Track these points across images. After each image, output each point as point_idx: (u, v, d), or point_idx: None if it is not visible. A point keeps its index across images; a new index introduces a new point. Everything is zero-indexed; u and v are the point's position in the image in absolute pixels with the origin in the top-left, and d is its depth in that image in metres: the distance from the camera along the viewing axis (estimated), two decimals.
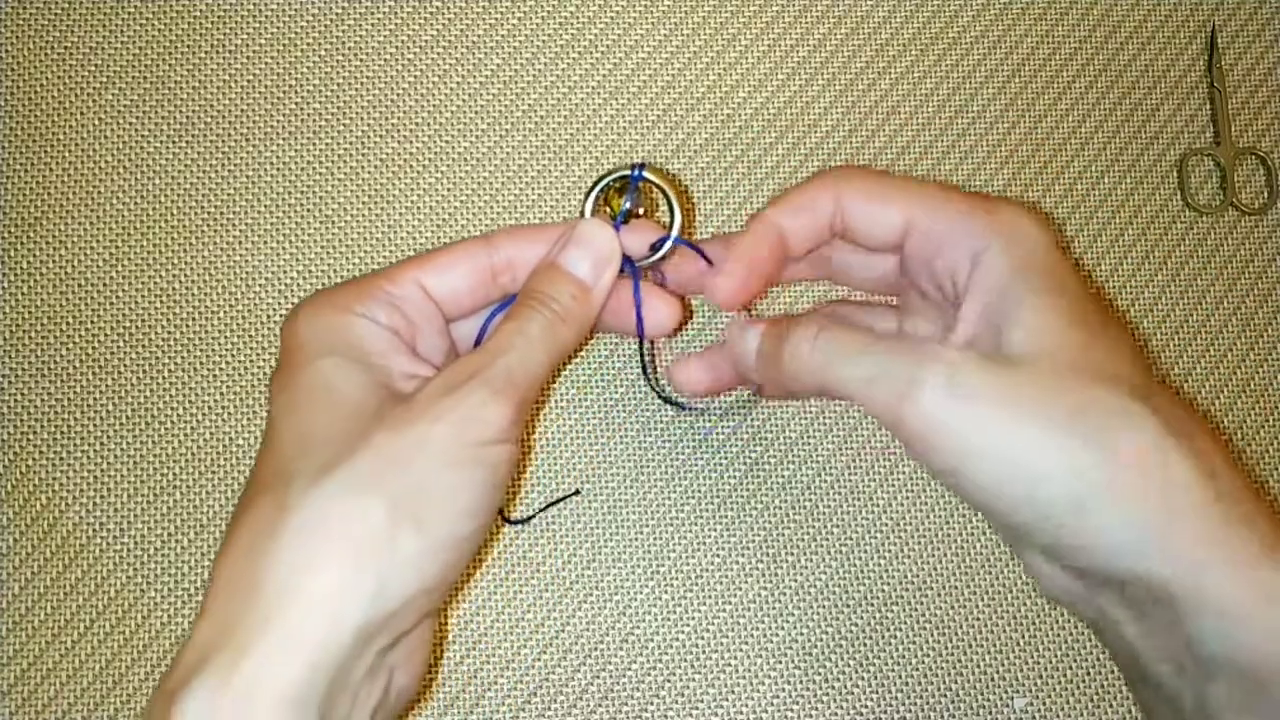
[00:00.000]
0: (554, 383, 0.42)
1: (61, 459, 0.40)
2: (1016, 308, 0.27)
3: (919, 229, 0.30)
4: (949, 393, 0.26)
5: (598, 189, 0.35)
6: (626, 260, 0.34)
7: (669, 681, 0.40)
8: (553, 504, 0.40)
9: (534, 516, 0.40)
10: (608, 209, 0.35)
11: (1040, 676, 0.40)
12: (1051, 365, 0.26)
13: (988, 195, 0.30)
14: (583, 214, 0.35)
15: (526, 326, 0.31)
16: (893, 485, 0.41)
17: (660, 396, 0.40)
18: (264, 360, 0.41)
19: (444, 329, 0.33)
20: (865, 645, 0.40)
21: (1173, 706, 0.28)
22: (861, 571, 0.41)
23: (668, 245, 0.34)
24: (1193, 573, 0.25)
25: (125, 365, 0.41)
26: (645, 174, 0.34)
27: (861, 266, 0.35)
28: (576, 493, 0.40)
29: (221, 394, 0.41)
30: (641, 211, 0.35)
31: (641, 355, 0.37)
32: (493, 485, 0.29)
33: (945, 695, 0.40)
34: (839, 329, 0.30)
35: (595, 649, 0.40)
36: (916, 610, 0.40)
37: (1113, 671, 0.40)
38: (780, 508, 0.41)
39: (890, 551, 0.41)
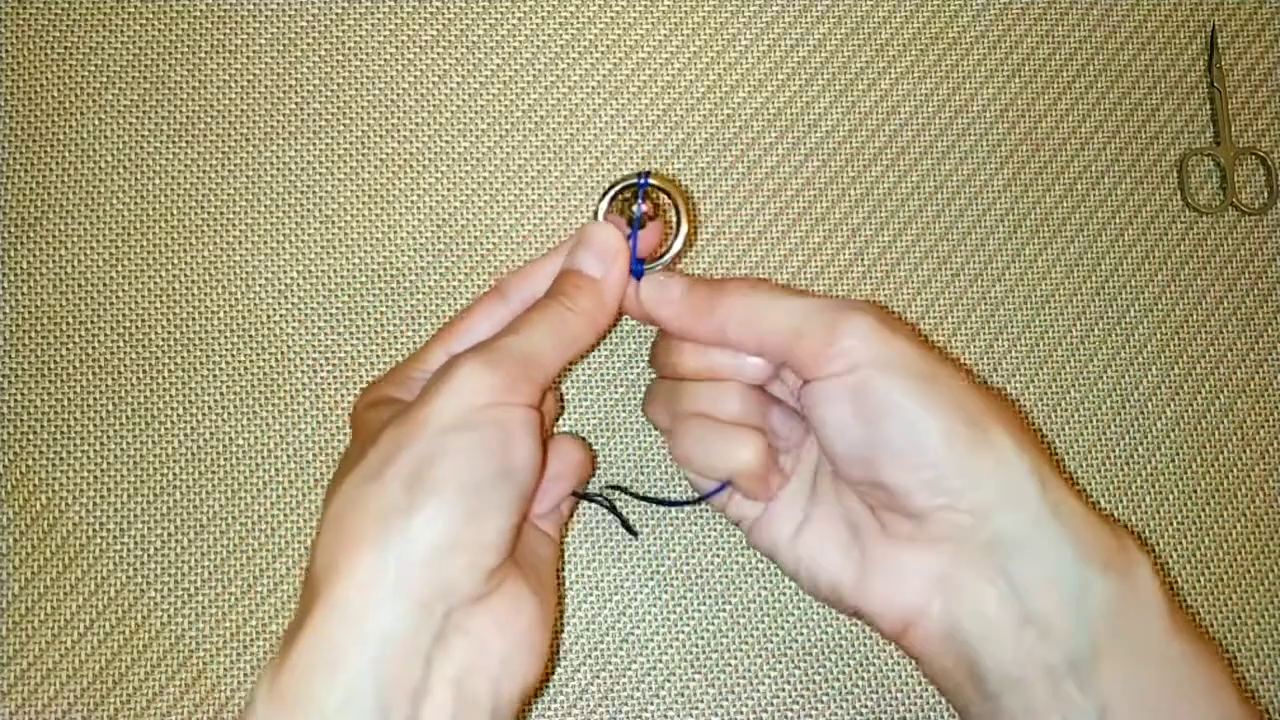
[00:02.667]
0: (565, 376, 0.42)
1: (61, 459, 0.40)
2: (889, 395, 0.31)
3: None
4: (871, 330, 0.30)
5: (607, 199, 0.35)
6: (638, 262, 0.35)
7: (669, 681, 0.40)
8: (613, 499, 0.39)
9: (592, 498, 0.39)
10: (619, 217, 0.35)
11: None
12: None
13: (828, 304, 0.32)
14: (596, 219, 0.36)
15: (532, 315, 0.33)
16: None
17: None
18: (264, 360, 0.41)
19: None
20: (865, 645, 0.40)
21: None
22: None
23: (677, 245, 0.35)
24: (1009, 528, 0.30)
25: (125, 365, 0.41)
26: (651, 180, 0.35)
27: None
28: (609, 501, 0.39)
29: (221, 394, 0.41)
30: (649, 212, 0.35)
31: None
32: (504, 440, 0.30)
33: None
34: (770, 284, 0.32)
35: (595, 649, 0.40)
36: None
37: None
38: None
39: None
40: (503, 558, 0.30)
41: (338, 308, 0.42)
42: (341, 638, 0.27)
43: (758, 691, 0.40)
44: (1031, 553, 0.30)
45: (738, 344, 0.33)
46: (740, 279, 0.33)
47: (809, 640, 0.40)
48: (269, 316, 0.42)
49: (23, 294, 0.42)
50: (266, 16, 0.44)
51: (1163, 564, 0.42)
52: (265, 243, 0.42)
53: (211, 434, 0.41)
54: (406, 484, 0.28)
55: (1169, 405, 0.43)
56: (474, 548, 0.29)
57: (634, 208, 0.35)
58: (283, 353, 0.42)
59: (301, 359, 0.41)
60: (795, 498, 0.34)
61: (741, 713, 0.40)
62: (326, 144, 0.43)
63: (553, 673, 0.39)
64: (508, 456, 0.30)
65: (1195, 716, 0.29)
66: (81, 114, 0.43)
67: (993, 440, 0.30)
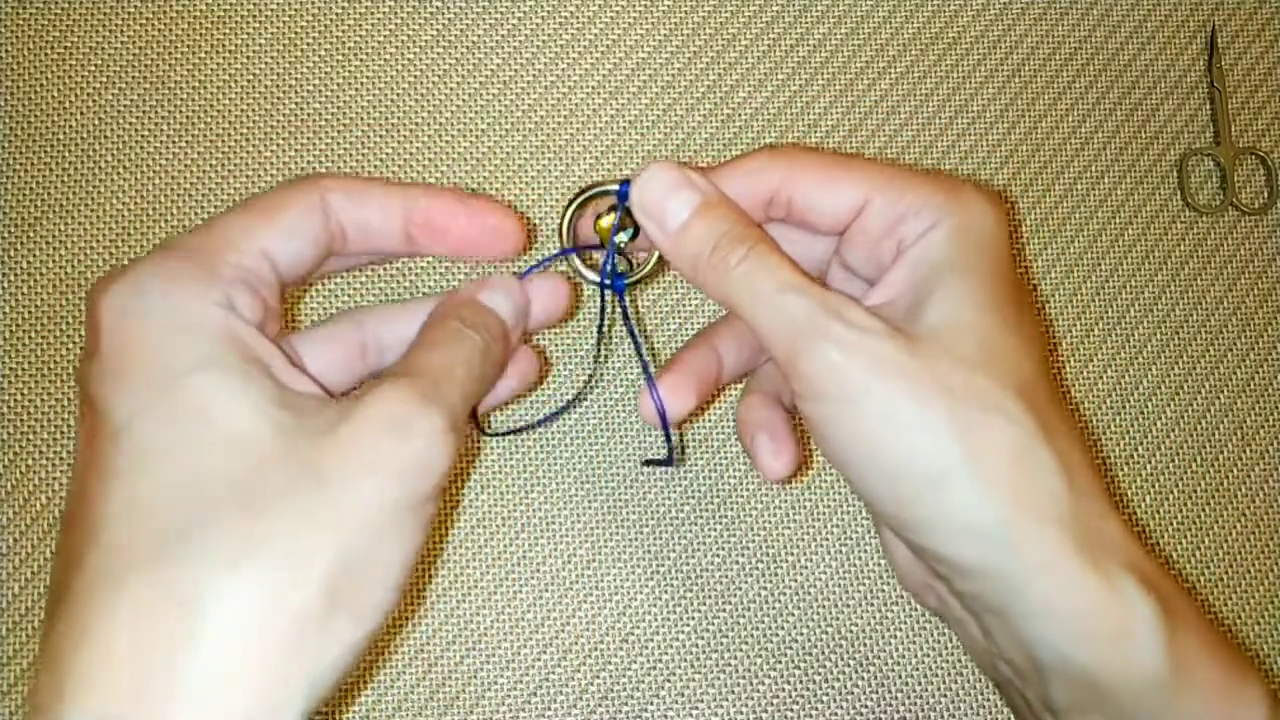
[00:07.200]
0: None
1: (61, 459, 0.40)
2: (940, 285, 0.27)
3: (876, 206, 0.29)
4: (844, 351, 0.26)
5: (574, 206, 0.32)
6: (619, 276, 0.32)
7: (669, 681, 0.40)
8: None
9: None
10: (593, 226, 0.32)
11: None
12: (950, 348, 0.26)
13: (951, 176, 0.30)
14: (560, 230, 0.32)
15: (462, 345, 0.27)
16: None
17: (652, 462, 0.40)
18: None
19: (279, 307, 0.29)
20: (865, 645, 0.40)
21: (1024, 707, 0.28)
22: (861, 571, 0.41)
23: (651, 265, 0.32)
24: (1033, 573, 0.25)
25: None
26: (632, 189, 0.30)
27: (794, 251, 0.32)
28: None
29: None
30: (628, 224, 0.32)
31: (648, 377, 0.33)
32: (420, 548, 0.26)
33: (945, 695, 0.40)
34: (769, 253, 0.28)
35: (595, 649, 0.40)
36: (916, 610, 0.40)
37: None
38: (780, 508, 0.41)
39: None
40: None
41: (337, 308, 0.42)
42: None
43: (758, 691, 0.40)
44: (1006, 619, 0.27)
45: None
46: (740, 235, 0.28)
47: (809, 640, 0.40)
48: None
49: (23, 294, 0.42)
50: (266, 16, 0.44)
51: (1164, 563, 0.42)
52: None
53: None
54: (328, 595, 0.23)
55: (1169, 405, 0.43)
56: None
57: (612, 224, 0.31)
58: None
59: None
60: None
61: (741, 713, 0.40)
62: (326, 144, 0.43)
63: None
64: (425, 504, 0.25)
65: None
66: (81, 114, 0.43)
67: (966, 480, 0.26)
